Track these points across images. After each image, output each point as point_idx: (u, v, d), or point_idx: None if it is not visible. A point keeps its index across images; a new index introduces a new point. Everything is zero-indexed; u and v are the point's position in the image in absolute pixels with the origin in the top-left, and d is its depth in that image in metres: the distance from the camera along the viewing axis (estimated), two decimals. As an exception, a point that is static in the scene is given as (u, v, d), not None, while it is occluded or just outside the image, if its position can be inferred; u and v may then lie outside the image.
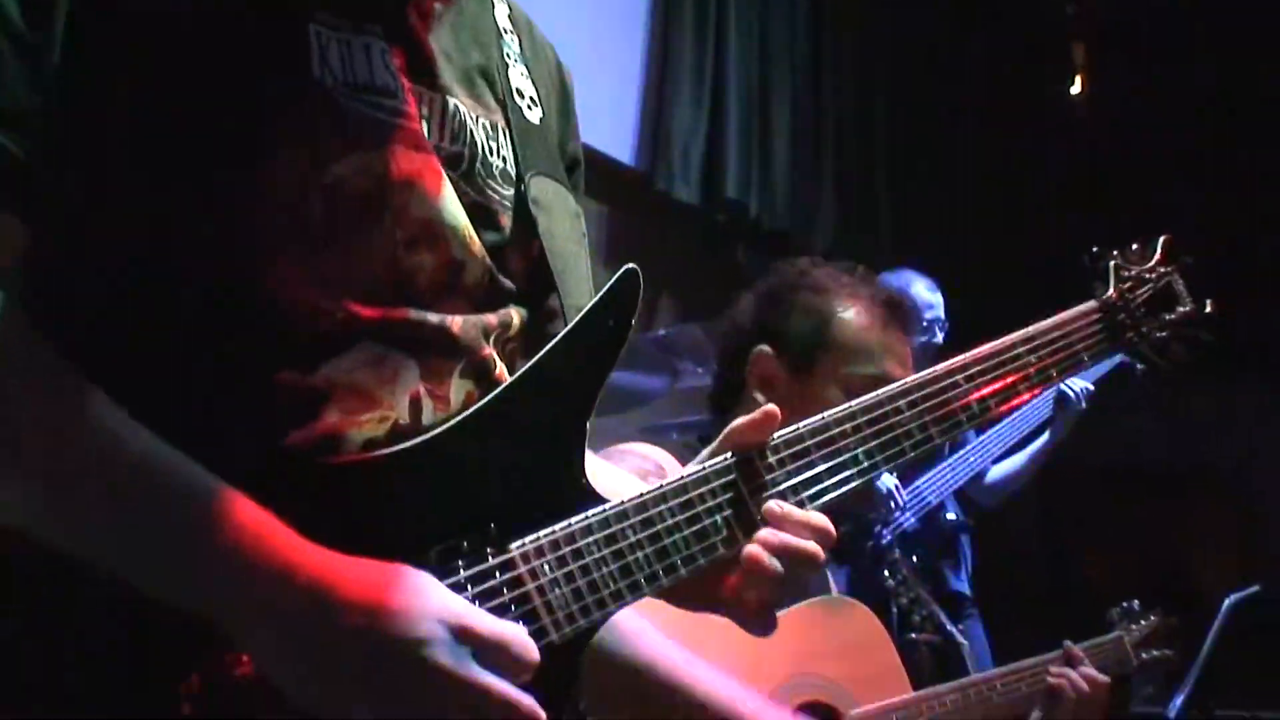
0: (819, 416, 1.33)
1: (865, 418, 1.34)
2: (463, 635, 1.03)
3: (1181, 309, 1.63)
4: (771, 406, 1.29)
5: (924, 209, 6.53)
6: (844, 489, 1.31)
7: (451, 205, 1.21)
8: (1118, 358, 4.92)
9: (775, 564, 1.22)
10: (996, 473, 4.84)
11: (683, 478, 1.25)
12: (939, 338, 4.71)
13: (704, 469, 1.27)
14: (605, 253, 4.73)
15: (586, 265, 1.37)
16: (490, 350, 1.24)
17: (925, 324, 4.67)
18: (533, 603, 1.13)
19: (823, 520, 1.25)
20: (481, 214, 1.26)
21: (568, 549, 1.16)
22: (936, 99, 6.67)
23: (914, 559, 4.16)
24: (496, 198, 1.28)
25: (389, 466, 1.12)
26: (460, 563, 1.12)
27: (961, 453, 4.63)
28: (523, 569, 1.14)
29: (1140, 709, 4.67)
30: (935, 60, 6.58)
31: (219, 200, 1.08)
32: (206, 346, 1.08)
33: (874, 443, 1.34)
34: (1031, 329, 1.50)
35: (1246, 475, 6.44)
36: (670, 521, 1.22)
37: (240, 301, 1.09)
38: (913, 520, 4.37)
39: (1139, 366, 5.00)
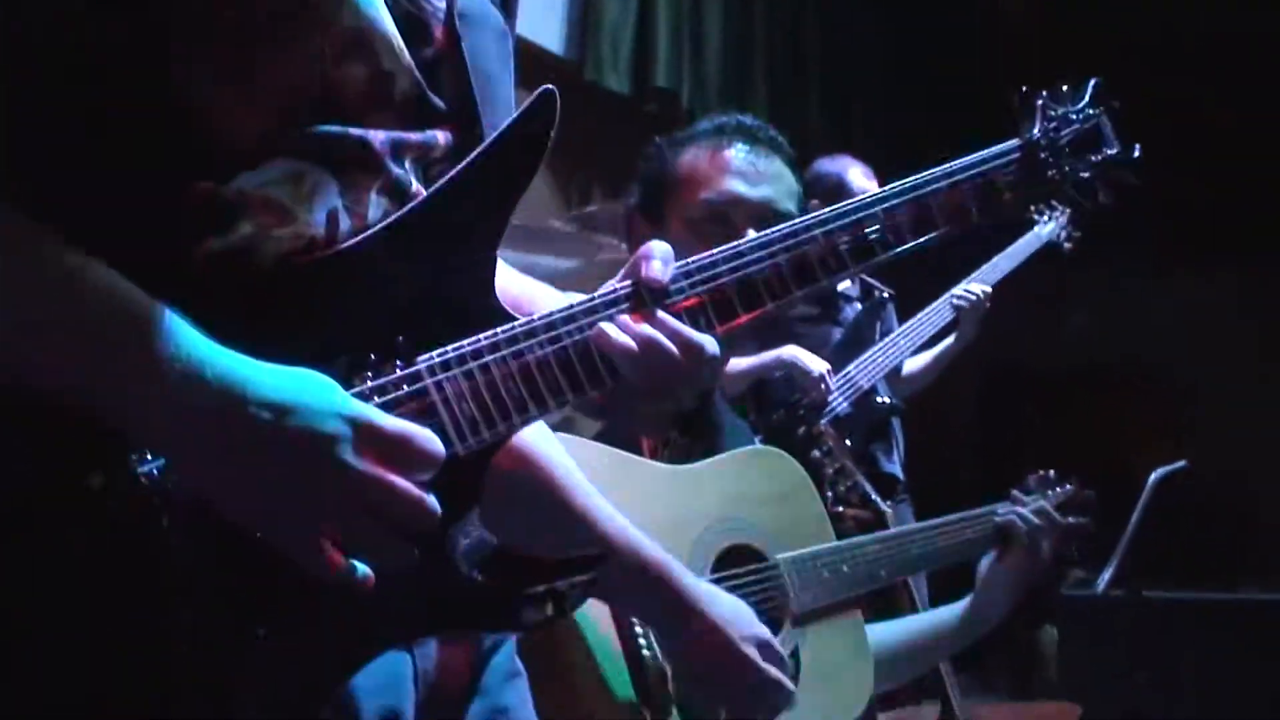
0: (732, 245, 1.31)
1: (781, 245, 1.33)
2: (366, 432, 1.04)
3: (1108, 150, 1.60)
4: (665, 244, 1.28)
5: (856, 97, 6.50)
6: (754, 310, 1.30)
7: (383, 14, 1.18)
8: (1043, 240, 5.06)
9: (670, 347, 1.22)
10: (909, 366, 4.90)
11: (591, 298, 1.25)
12: (872, 223, 4.71)
13: (614, 290, 1.26)
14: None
15: (510, 89, 1.34)
16: (409, 168, 1.22)
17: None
18: (438, 414, 1.14)
19: (697, 337, 1.24)
20: (414, 26, 1.23)
21: (474, 364, 1.17)
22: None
23: (847, 442, 4.19)
24: (429, 8, 1.26)
25: (299, 277, 1.12)
26: (367, 373, 1.13)
27: (891, 336, 4.67)
28: (428, 381, 1.14)
29: (1072, 592, 4.77)
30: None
31: (143, 11, 1.06)
32: (123, 155, 1.06)
33: (787, 268, 1.32)
34: (950, 164, 1.48)
35: (1179, 362, 6.53)
36: (579, 338, 1.22)
37: (159, 110, 1.07)
38: (845, 405, 4.39)
39: (1067, 245, 5.08)
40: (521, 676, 1.40)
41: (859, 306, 4.77)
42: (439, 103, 1.25)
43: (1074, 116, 1.58)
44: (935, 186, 1.44)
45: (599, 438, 1.98)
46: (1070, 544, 2.70)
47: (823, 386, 4.21)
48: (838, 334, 4.66)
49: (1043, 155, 1.53)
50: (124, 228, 1.04)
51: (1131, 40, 6.42)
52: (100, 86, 1.05)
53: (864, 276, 4.85)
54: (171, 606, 1.02)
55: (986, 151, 1.52)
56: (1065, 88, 1.62)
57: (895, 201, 1.41)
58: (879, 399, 4.56)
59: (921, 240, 1.43)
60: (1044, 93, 1.59)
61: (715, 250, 1.30)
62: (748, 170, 2.19)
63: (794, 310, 4.61)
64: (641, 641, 1.91)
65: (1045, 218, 5.18)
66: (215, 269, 1.08)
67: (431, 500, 1.07)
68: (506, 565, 1.17)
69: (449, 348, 1.16)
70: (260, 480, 1.02)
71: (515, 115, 1.23)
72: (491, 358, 1.17)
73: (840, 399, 4.38)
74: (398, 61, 1.20)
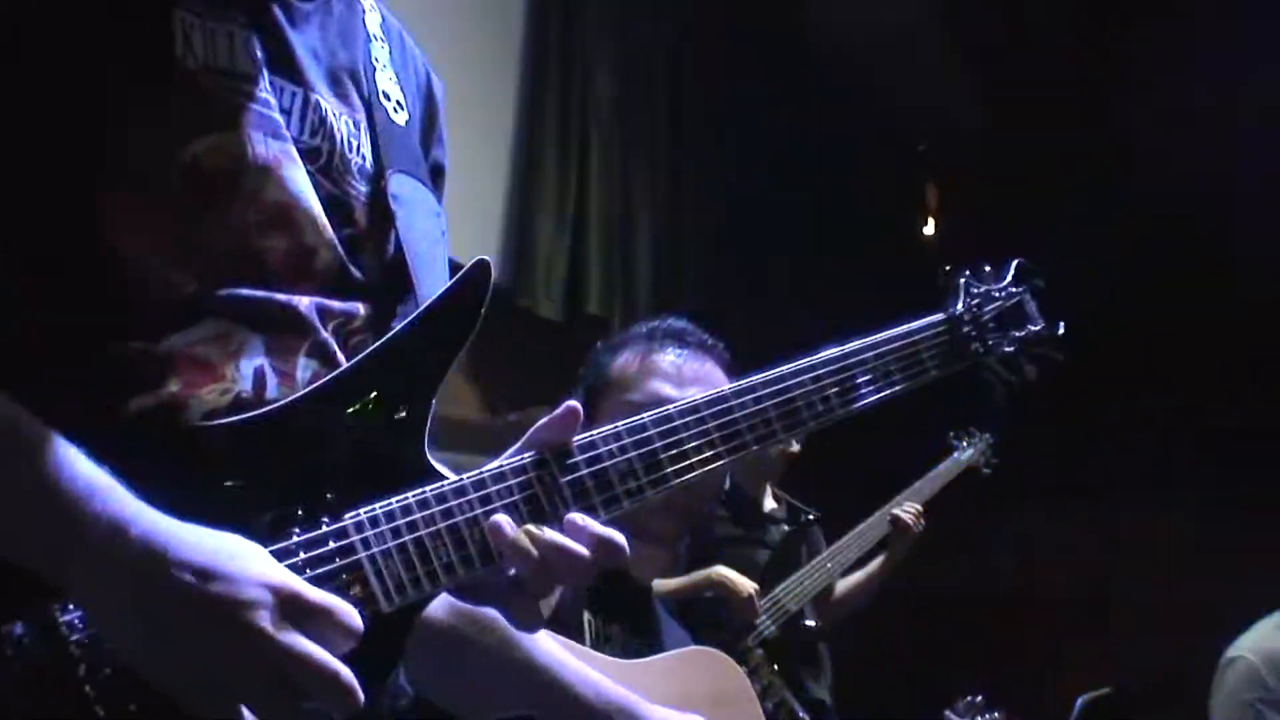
0: (659, 410, 1.32)
1: (708, 410, 1.34)
2: (288, 601, 1.04)
3: (1032, 327, 1.64)
4: (573, 403, 1.27)
5: (784, 331, 6.63)
6: (668, 481, 1.31)
7: (307, 193, 1.25)
8: (963, 465, 5.13)
9: (533, 551, 1.18)
10: (841, 587, 4.92)
11: (500, 465, 1.24)
12: (796, 446, 4.79)
13: (505, 465, 1.24)
14: (468, 363, 4.73)
15: (444, 263, 1.38)
16: (330, 335, 1.26)
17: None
18: (363, 570, 1.14)
19: (613, 535, 1.21)
20: (338, 207, 1.28)
21: (403, 520, 1.16)
22: (800, 220, 6.84)
23: (774, 666, 4.17)
24: (354, 193, 1.31)
25: (226, 434, 1.14)
26: (294, 530, 1.13)
27: (819, 558, 4.70)
28: (355, 537, 1.14)
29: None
30: (794, 184, 6.76)
31: (75, 171, 1.11)
32: (56, 311, 1.10)
33: (717, 435, 1.33)
34: (878, 335, 1.50)
35: (1101, 596, 6.59)
36: (509, 500, 1.21)
37: (92, 271, 1.11)
38: (772, 628, 4.39)
39: (985, 470, 5.13)
40: None
41: (785, 528, 4.81)
42: (359, 275, 1.30)
43: (996, 294, 1.62)
44: (860, 357, 1.47)
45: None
46: None
47: (751, 606, 4.22)
48: (764, 555, 4.68)
49: (965, 329, 1.57)
50: (52, 381, 1.07)
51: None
52: (44, 247, 1.10)
53: (789, 499, 4.91)
54: None
55: (911, 325, 1.54)
56: (988, 268, 1.66)
57: (822, 370, 1.43)
58: (806, 623, 4.57)
59: (849, 408, 1.44)
60: (967, 271, 1.63)
61: (628, 420, 1.29)
62: (673, 373, 2.23)
63: (719, 531, 4.64)
64: None
65: (965, 444, 5.31)
66: (142, 426, 1.10)
67: (347, 673, 1.05)
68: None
69: (377, 505, 1.15)
70: (178, 642, 1.01)
71: (451, 282, 1.26)
72: (420, 514, 1.17)
73: (768, 622, 4.37)
74: (320, 236, 1.25)
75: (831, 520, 4.90)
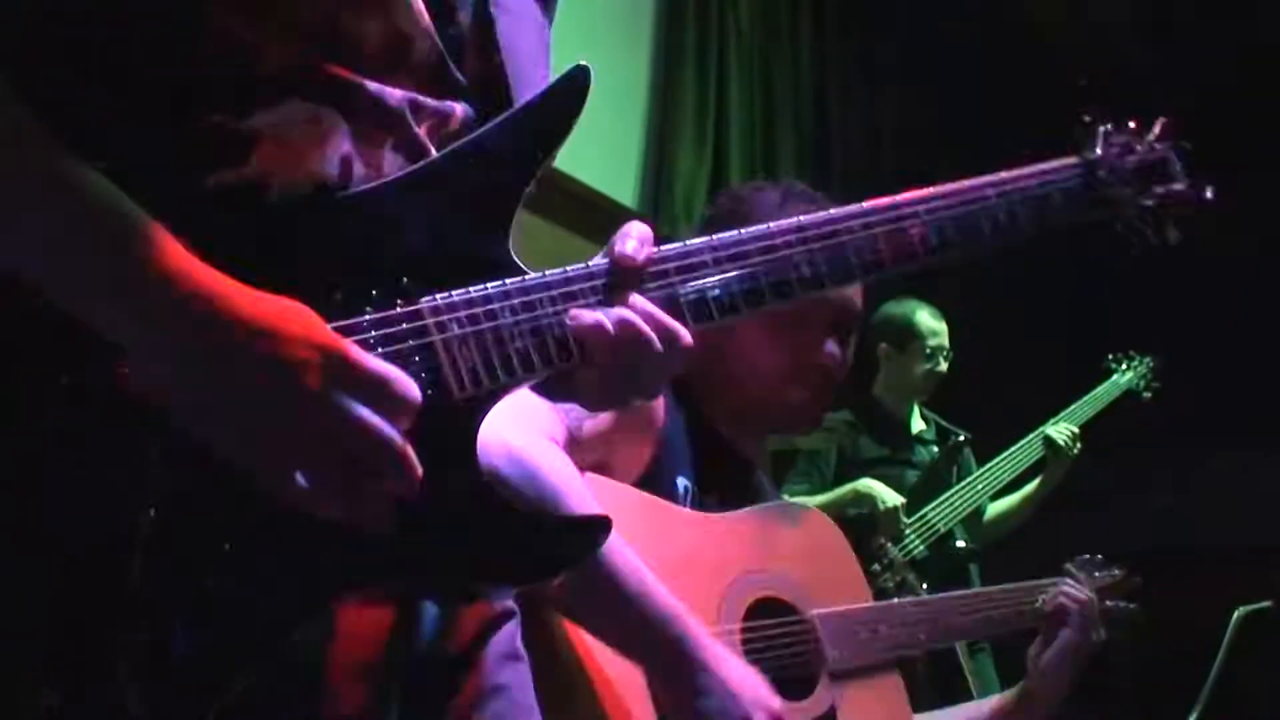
0: (758, 228, 1.27)
1: (814, 231, 1.29)
2: (341, 366, 1.01)
3: (1176, 185, 1.53)
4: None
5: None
6: (763, 300, 1.25)
7: None
8: (1121, 389, 4.93)
9: (610, 330, 1.15)
10: (992, 510, 4.80)
11: (588, 265, 1.21)
12: (943, 365, 4.69)
13: (593, 265, 1.21)
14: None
15: (543, 78, 1.33)
16: (423, 132, 1.22)
17: (929, 351, 4.67)
18: (437, 356, 1.11)
19: (677, 326, 1.18)
20: (440, 4, 1.24)
21: (481, 308, 1.13)
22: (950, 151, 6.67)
23: (924, 586, 4.09)
24: None
25: (304, 212, 1.11)
26: (367, 309, 1.10)
27: (970, 479, 4.59)
28: (430, 320, 1.11)
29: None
30: (946, 117, 6.59)
31: None
32: (141, 75, 1.07)
33: (821, 257, 1.28)
34: (1002, 174, 1.41)
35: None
36: (594, 300, 1.18)
37: (178, 36, 1.08)
38: (921, 548, 4.31)
39: (1146, 395, 4.90)
40: (523, 661, 1.34)
41: (934, 450, 4.72)
42: (459, 75, 1.25)
43: (1139, 146, 1.52)
44: (982, 192, 1.38)
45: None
46: (1114, 629, 2.59)
47: (896, 519, 4.16)
48: (912, 476, 4.59)
49: (1102, 174, 1.48)
50: (139, 150, 1.05)
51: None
52: (130, 12, 1.06)
53: (938, 420, 4.81)
54: (138, 510, 1.00)
55: (1041, 165, 1.45)
56: (1132, 124, 1.56)
57: (939, 204, 1.35)
58: (957, 543, 4.47)
59: (964, 248, 1.36)
60: (1108, 123, 1.53)
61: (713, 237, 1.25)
62: None
63: (866, 451, 4.57)
64: None
65: (1124, 366, 5.13)
66: (223, 200, 1.07)
67: (402, 444, 1.02)
68: (505, 518, 1.14)
69: (455, 291, 1.13)
70: (224, 397, 0.99)
71: (548, 85, 1.23)
72: (500, 304, 1.14)
73: (917, 541, 4.30)
74: (415, 25, 1.20)
75: (984, 443, 4.78)
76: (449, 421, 1.10)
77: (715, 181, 5.33)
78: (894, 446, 4.65)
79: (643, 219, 1.23)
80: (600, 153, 4.79)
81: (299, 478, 1.00)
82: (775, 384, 2.15)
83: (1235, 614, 3.79)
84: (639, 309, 1.17)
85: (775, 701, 1.75)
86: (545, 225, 4.28)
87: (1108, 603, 2.57)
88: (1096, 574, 2.60)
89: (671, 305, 1.20)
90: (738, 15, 5.52)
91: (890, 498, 4.17)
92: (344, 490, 1.01)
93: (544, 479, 1.62)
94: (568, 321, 1.16)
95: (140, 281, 0.98)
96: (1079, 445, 4.76)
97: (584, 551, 1.18)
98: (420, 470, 1.03)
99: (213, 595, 1.02)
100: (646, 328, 1.16)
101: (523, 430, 1.66)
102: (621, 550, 1.68)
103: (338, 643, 1.17)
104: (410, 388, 1.04)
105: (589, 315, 1.16)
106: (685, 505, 2.05)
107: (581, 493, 1.67)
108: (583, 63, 1.22)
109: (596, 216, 4.54)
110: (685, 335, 1.18)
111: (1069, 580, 2.53)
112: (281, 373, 0.99)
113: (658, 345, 1.16)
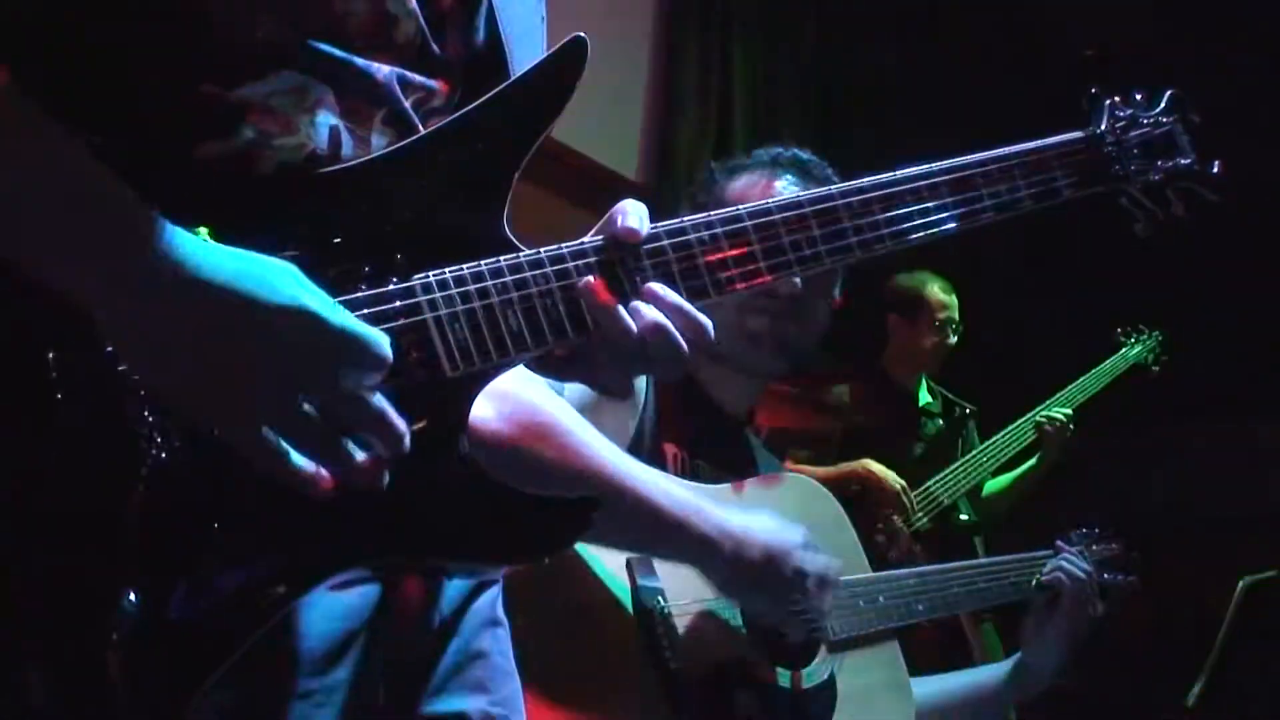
0: (756, 203, 1.25)
1: (810, 208, 1.27)
2: (309, 321, 1.00)
3: (1182, 160, 1.50)
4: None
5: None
6: (760, 276, 1.23)
7: None
8: (1129, 362, 4.90)
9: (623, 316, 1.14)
10: (989, 487, 4.79)
11: (580, 242, 1.19)
12: (952, 338, 4.67)
13: (585, 243, 1.20)
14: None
15: (541, 49, 1.33)
16: (408, 106, 1.21)
17: (938, 323, 4.65)
18: (428, 331, 1.09)
19: (697, 311, 1.17)
20: None
21: (474, 286, 1.12)
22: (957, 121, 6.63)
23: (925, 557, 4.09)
24: None
25: (296, 184, 1.10)
26: (360, 285, 1.09)
27: (973, 453, 4.58)
28: (422, 297, 1.10)
29: None
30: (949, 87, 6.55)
31: None
32: (131, 49, 1.06)
33: (819, 233, 1.26)
34: (1005, 149, 1.39)
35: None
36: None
37: (169, 9, 1.08)
38: (925, 520, 4.30)
39: (1154, 368, 4.88)
40: (503, 626, 1.33)
41: (940, 423, 4.70)
42: (439, 52, 1.24)
43: (1145, 120, 1.50)
44: (984, 166, 1.36)
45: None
46: (1111, 602, 2.59)
47: (897, 503, 4.15)
48: (918, 448, 4.58)
49: (1107, 149, 1.46)
50: (130, 122, 1.04)
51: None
52: None
53: (945, 392, 4.79)
54: (127, 487, 0.99)
55: (1044, 141, 1.43)
56: (1139, 95, 1.53)
57: (939, 178, 1.33)
58: (960, 516, 4.46)
59: (966, 221, 1.34)
60: (1115, 97, 1.51)
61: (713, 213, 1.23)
62: None
63: (873, 422, 4.55)
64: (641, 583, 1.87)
65: (1132, 340, 5.11)
66: (213, 171, 1.06)
67: (381, 403, 1.01)
68: (495, 498, 1.12)
69: (448, 269, 1.12)
70: (197, 354, 0.97)
71: (544, 57, 1.21)
72: (492, 281, 1.12)
73: (920, 513, 4.29)
74: (402, 5, 1.20)
75: (991, 416, 4.77)
76: (441, 399, 1.09)
77: (719, 153, 5.30)
78: (901, 417, 4.63)
79: (645, 192, 1.20)
80: (602, 124, 4.76)
81: (269, 435, 0.99)
82: (731, 317, 2.13)
83: (1240, 583, 3.78)
84: (667, 303, 1.15)
85: (796, 535, 1.87)
86: (546, 197, 4.25)
87: (1105, 576, 2.56)
88: (1095, 547, 2.60)
89: (669, 283, 1.18)
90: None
91: (891, 481, 4.16)
92: (322, 448, 1.00)
93: (568, 454, 1.59)
94: (583, 291, 1.14)
95: (114, 243, 0.96)
96: (1072, 429, 4.73)
97: (574, 533, 1.17)
98: (404, 427, 1.03)
99: (201, 573, 1.01)
100: (674, 329, 1.14)
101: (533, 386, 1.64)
102: (629, 464, 1.69)
103: (324, 613, 1.16)
104: (382, 345, 1.02)
105: (620, 320, 1.14)
106: (675, 473, 2.03)
107: (609, 444, 1.66)
108: (580, 34, 1.20)
109: (598, 189, 4.52)
110: (709, 329, 1.16)
111: (1067, 553, 2.52)
112: (250, 328, 0.98)
113: (684, 348, 1.15)
